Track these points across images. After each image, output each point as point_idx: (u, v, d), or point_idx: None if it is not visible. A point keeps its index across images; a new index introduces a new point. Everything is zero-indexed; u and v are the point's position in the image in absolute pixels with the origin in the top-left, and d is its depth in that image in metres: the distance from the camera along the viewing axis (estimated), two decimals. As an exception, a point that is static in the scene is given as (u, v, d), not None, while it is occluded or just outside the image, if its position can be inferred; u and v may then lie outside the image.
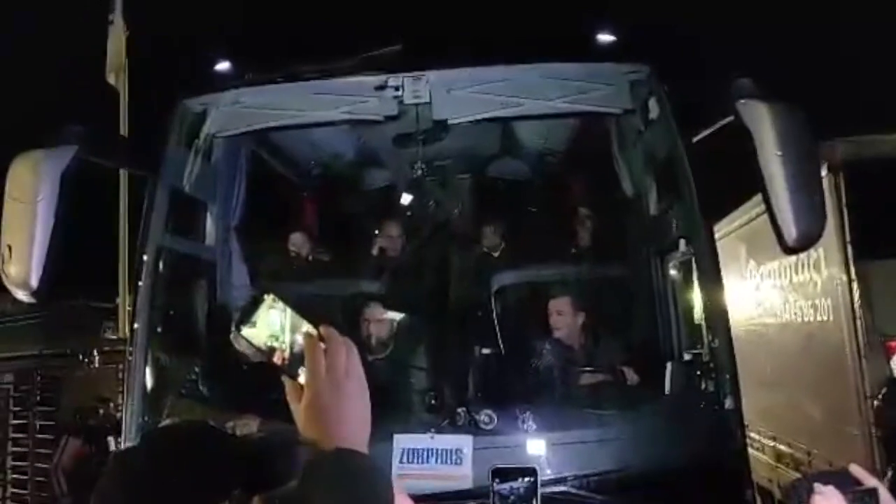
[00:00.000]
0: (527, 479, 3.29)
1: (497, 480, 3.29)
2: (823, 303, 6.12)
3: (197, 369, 4.59)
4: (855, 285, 5.63)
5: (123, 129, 11.38)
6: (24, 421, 10.70)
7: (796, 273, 6.64)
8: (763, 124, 3.30)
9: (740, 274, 7.85)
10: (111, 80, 11.68)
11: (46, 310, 10.29)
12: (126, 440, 4.07)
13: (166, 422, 4.10)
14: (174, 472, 1.49)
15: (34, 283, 3.31)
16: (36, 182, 3.36)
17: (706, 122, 4.00)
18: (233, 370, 4.59)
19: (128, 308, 10.70)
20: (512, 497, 3.21)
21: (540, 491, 3.30)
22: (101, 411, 8.23)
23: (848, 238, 5.62)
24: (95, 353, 10.51)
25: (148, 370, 4.13)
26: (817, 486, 1.95)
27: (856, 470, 2.00)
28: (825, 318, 6.11)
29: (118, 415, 8.26)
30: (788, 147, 3.26)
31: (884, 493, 1.97)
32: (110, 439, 7.78)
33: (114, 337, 11.27)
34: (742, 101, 3.37)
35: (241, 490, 1.51)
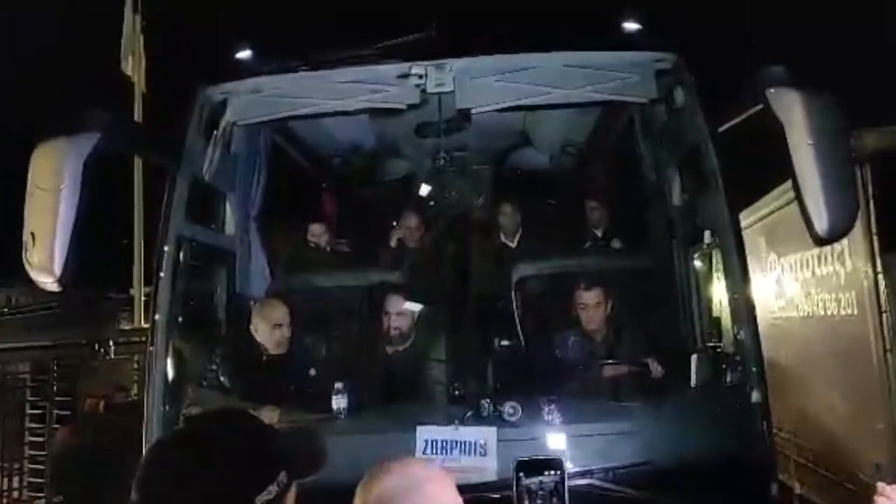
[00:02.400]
0: (552, 471, 3.24)
1: (522, 473, 3.24)
2: (847, 296, 6.01)
3: (217, 359, 4.57)
4: (881, 278, 5.53)
5: (138, 117, 11.38)
6: (41, 410, 10.79)
7: (819, 266, 6.53)
8: (794, 113, 3.24)
9: (760, 266, 7.76)
10: (125, 67, 11.66)
11: (62, 300, 10.36)
12: (147, 430, 4.06)
13: (188, 411, 4.09)
14: (220, 456, 1.48)
15: (57, 270, 3.29)
16: (59, 170, 3.34)
17: (731, 111, 3.94)
18: (253, 360, 4.58)
19: (143, 298, 10.78)
20: (540, 491, 3.15)
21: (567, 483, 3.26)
22: (100, 402, 8.26)
23: (874, 230, 5.52)
24: (111, 342, 10.59)
25: (169, 360, 4.10)
26: (880, 485, 1.91)
27: None
28: (849, 311, 6.00)
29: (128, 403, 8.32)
30: (820, 136, 3.21)
31: None
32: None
33: (129, 327, 11.35)
34: (772, 88, 3.31)
35: (285, 474, 1.50)
